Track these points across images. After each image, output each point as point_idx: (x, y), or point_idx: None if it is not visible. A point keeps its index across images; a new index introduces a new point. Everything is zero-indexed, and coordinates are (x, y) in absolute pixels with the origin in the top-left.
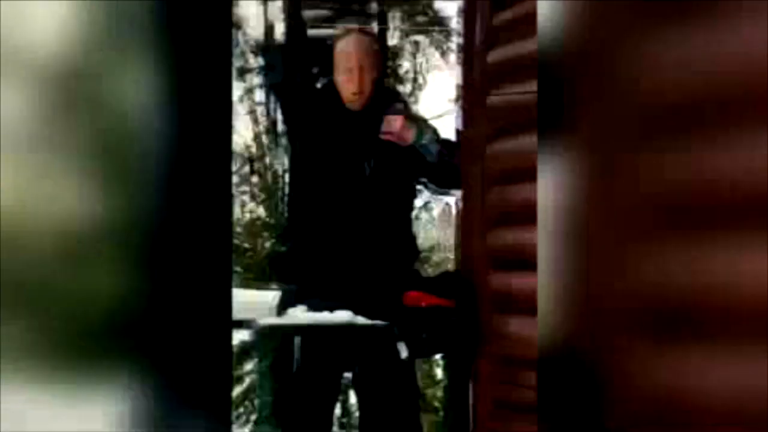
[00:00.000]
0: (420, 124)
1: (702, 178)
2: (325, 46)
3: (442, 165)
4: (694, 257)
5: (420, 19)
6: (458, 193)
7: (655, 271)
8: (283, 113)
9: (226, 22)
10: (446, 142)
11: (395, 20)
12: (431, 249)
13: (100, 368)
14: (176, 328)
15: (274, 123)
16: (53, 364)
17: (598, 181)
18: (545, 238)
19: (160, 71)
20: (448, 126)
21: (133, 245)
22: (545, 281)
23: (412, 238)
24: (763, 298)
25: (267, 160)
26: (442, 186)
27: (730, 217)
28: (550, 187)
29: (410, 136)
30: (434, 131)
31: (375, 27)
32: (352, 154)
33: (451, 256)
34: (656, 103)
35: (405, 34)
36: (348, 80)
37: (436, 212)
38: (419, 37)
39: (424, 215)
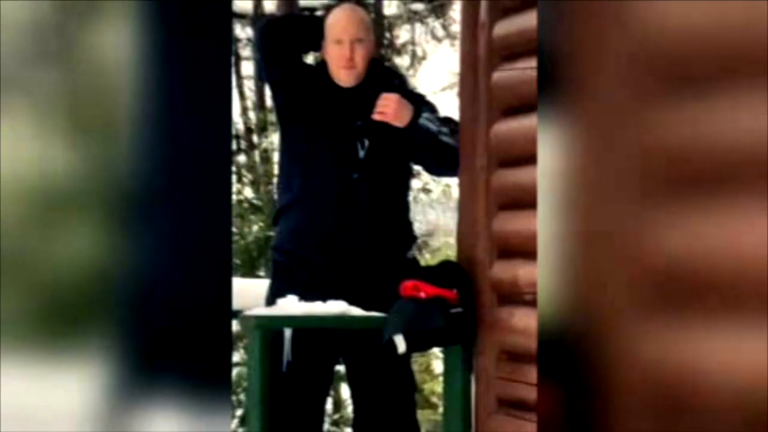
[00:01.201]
0: (417, 102)
1: (703, 141)
2: (317, 19)
3: (441, 147)
4: (698, 225)
5: None
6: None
7: (658, 242)
8: (272, 89)
9: None
10: (446, 121)
11: None
12: (430, 234)
13: (83, 343)
14: (169, 304)
15: (262, 98)
16: (31, 336)
17: (598, 150)
18: (545, 212)
19: (150, 28)
20: (449, 103)
21: (117, 211)
22: (545, 258)
23: (409, 222)
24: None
25: (254, 137)
26: (440, 169)
27: (732, 181)
28: (550, 160)
29: (406, 115)
30: (433, 109)
31: None
32: (344, 133)
33: (452, 241)
34: (657, 66)
35: (403, 2)
36: (338, 52)
37: (435, 194)
38: (418, 5)
39: (422, 197)
